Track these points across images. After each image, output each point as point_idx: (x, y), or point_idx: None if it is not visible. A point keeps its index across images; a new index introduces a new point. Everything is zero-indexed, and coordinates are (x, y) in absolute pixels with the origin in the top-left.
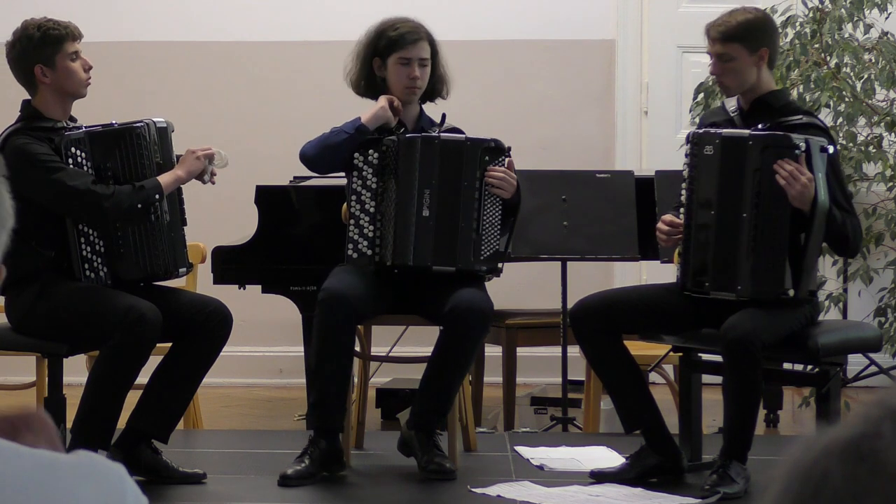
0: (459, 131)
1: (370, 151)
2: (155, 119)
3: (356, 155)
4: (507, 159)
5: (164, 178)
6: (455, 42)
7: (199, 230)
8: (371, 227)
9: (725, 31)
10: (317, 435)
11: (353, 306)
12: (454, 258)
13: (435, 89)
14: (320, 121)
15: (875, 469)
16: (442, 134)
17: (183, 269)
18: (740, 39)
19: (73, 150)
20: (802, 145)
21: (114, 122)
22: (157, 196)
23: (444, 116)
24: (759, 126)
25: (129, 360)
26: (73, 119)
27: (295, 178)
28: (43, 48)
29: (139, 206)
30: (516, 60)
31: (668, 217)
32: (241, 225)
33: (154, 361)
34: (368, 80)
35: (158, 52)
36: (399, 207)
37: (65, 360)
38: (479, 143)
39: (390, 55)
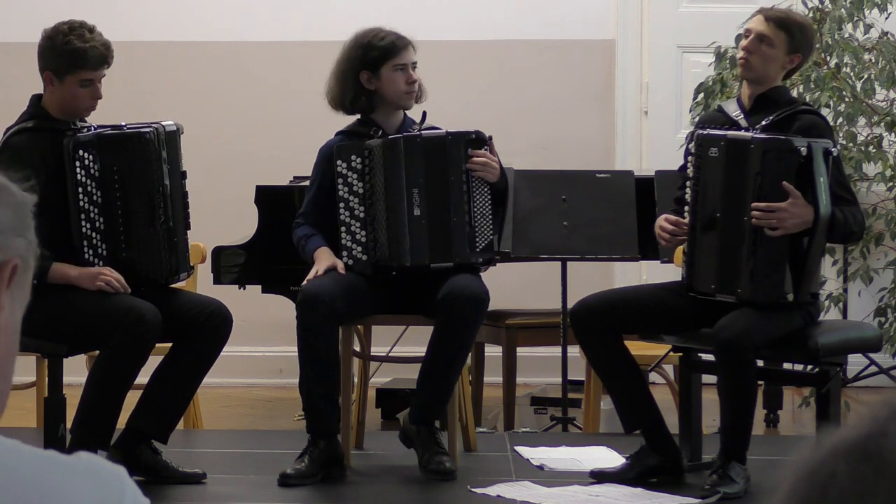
0: (436, 128)
1: (353, 157)
2: (165, 123)
3: (339, 162)
4: (488, 148)
5: (57, 270)
6: (455, 42)
7: (199, 230)
8: (363, 232)
9: (782, 18)
10: (315, 437)
11: (330, 306)
12: (451, 254)
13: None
14: (320, 121)
15: (881, 469)
16: (423, 131)
17: (184, 274)
18: (789, 33)
19: (81, 152)
20: (804, 149)
21: (123, 123)
22: (34, 280)
23: (424, 114)
24: (763, 122)
25: (129, 360)
26: (82, 119)
27: (295, 178)
28: (59, 59)
29: None
30: (516, 60)
31: (672, 217)
32: (241, 225)
33: (154, 361)
34: (356, 96)
35: (158, 52)
36: (390, 209)
37: (65, 360)
38: (460, 136)
39: (384, 64)
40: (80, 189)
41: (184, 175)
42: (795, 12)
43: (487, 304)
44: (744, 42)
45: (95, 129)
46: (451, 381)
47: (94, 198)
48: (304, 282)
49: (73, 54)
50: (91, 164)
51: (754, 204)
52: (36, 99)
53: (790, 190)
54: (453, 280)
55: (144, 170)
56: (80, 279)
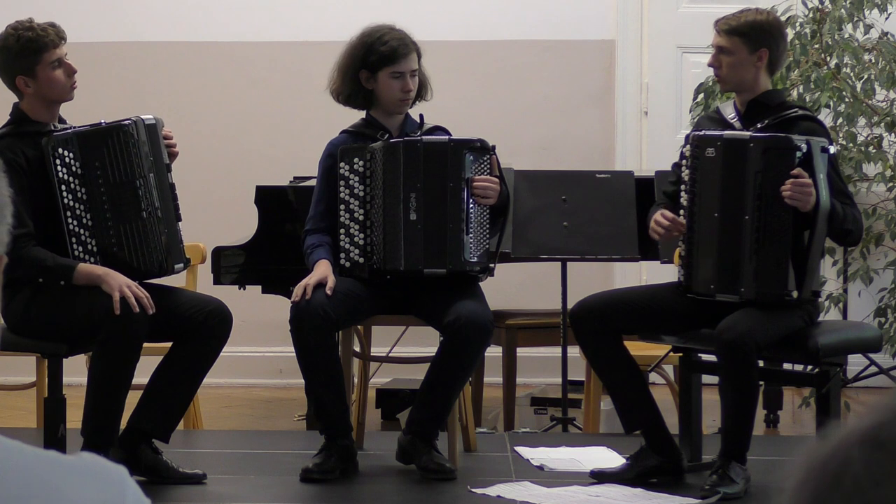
0: (443, 129)
1: (355, 160)
2: (143, 116)
3: (342, 164)
4: (492, 157)
5: (83, 270)
6: (455, 42)
7: (199, 230)
8: (361, 235)
9: (730, 26)
10: (331, 437)
11: (323, 317)
12: (444, 260)
13: (419, 94)
14: (320, 121)
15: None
16: (425, 137)
17: (180, 266)
18: (742, 35)
19: (60, 150)
20: (804, 146)
21: (102, 121)
22: (61, 281)
23: (422, 117)
24: (758, 125)
25: (120, 354)
26: (62, 120)
27: (295, 178)
28: (22, 58)
29: (39, 279)
30: (516, 60)
31: (668, 214)
32: (241, 225)
33: (154, 361)
34: (355, 92)
35: (158, 52)
36: (387, 213)
37: (65, 360)
38: (462, 143)
39: (381, 69)
40: (63, 187)
41: (168, 168)
42: (749, 12)
43: (492, 332)
44: (709, 59)
45: (74, 128)
46: (450, 401)
47: (79, 194)
48: (293, 297)
49: (30, 45)
50: (72, 161)
51: (789, 181)
52: (16, 105)
53: (800, 173)
54: (460, 305)
55: (127, 162)
56: (105, 278)
